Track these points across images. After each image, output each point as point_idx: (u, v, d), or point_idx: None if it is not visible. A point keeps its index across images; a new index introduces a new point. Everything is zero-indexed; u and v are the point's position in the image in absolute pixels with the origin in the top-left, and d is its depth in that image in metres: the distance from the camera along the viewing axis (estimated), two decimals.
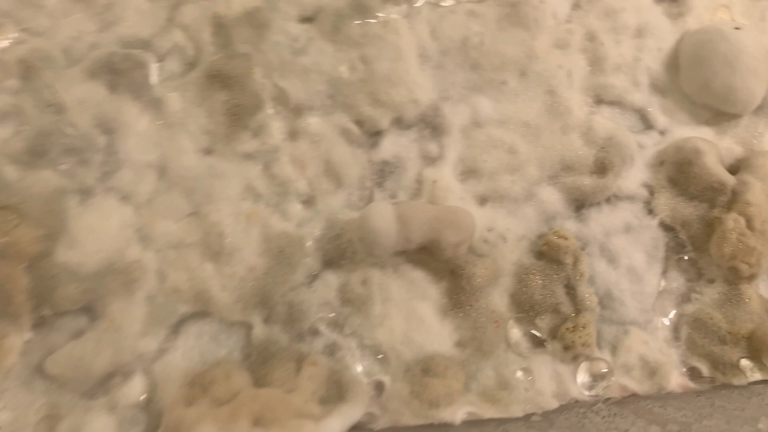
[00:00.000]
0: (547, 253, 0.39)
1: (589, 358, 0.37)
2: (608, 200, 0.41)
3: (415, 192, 0.40)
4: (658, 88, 0.45)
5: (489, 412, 0.36)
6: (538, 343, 0.38)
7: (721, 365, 0.38)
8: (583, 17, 0.46)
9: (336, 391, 0.35)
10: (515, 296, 0.38)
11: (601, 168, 0.41)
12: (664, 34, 0.46)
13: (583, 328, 0.37)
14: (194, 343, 0.36)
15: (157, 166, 0.39)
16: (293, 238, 0.38)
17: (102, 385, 0.35)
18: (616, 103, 0.44)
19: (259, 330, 0.37)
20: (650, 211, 0.41)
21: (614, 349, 0.38)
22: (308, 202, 0.40)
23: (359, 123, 0.41)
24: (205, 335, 0.37)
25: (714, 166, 0.41)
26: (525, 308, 0.38)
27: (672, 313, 0.39)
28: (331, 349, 0.37)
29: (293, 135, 0.41)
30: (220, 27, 0.43)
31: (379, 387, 0.36)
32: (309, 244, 0.38)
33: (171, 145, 0.40)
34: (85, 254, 0.37)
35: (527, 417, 0.36)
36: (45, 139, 0.39)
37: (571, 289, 0.38)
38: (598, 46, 0.45)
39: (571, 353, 0.37)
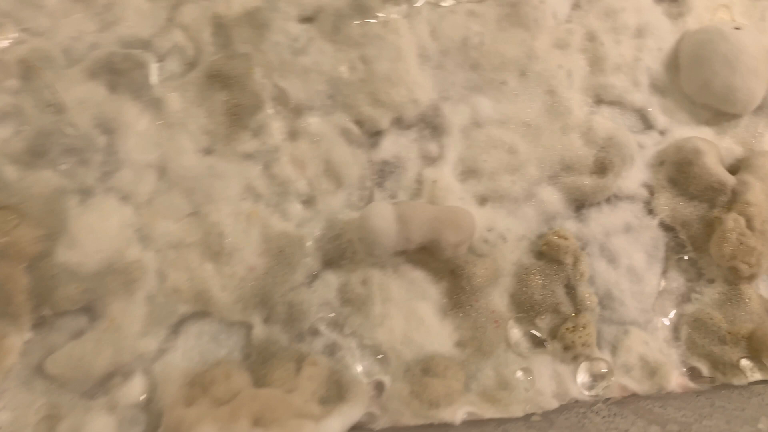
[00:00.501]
0: (547, 253, 0.39)
1: (589, 358, 0.37)
2: (608, 200, 0.41)
3: (415, 192, 0.40)
4: (658, 88, 0.45)
5: (489, 412, 0.36)
6: (538, 343, 0.38)
7: (721, 365, 0.38)
8: (583, 17, 0.46)
9: (336, 391, 0.35)
10: (515, 296, 0.38)
11: (601, 168, 0.41)
12: (664, 34, 0.46)
13: (583, 328, 0.37)
14: (194, 343, 0.36)
15: (157, 166, 0.39)
16: (293, 238, 0.38)
17: (102, 385, 0.35)
18: (616, 103, 0.44)
19: (259, 330, 0.37)
20: (650, 211, 0.41)
21: (614, 349, 0.38)
22: (308, 202, 0.40)
23: (359, 123, 0.41)
24: (205, 335, 0.37)
25: (714, 166, 0.41)
26: (525, 308, 0.38)
27: (672, 313, 0.39)
28: (331, 349, 0.37)
29: (293, 135, 0.41)
30: (220, 27, 0.43)
31: (379, 387, 0.36)
32: (309, 244, 0.38)
33: (171, 145, 0.40)
34: (85, 254, 0.37)
35: (527, 417, 0.36)
36: (45, 139, 0.39)
37: (571, 289, 0.38)
38: (598, 46, 0.45)
39: (571, 353, 0.37)
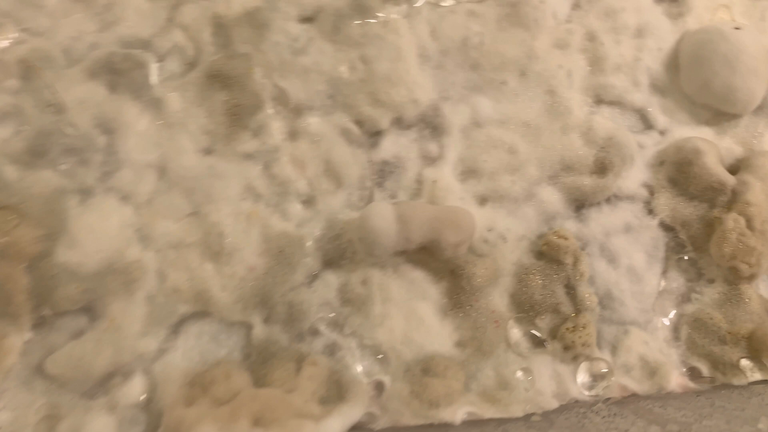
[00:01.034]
0: (547, 253, 0.39)
1: (589, 358, 0.37)
2: (608, 200, 0.41)
3: (415, 192, 0.40)
4: (658, 88, 0.45)
5: (489, 412, 0.36)
6: (538, 343, 0.38)
7: (721, 365, 0.38)
8: (583, 17, 0.46)
9: (336, 391, 0.35)
10: (515, 296, 0.38)
11: (601, 168, 0.41)
12: (664, 34, 0.46)
13: (583, 328, 0.37)
14: (194, 343, 0.36)
15: (157, 166, 0.39)
16: (293, 238, 0.38)
17: (102, 385, 0.35)
18: (616, 103, 0.44)
19: (259, 330, 0.37)
20: (650, 211, 0.41)
21: (614, 349, 0.38)
22: (308, 202, 0.40)
23: (359, 123, 0.41)
24: (205, 335, 0.37)
25: (714, 166, 0.41)
26: (525, 308, 0.38)
27: (672, 313, 0.39)
28: (331, 349, 0.37)
29: (293, 135, 0.41)
30: (220, 27, 0.43)
31: (379, 387, 0.36)
32: (309, 244, 0.38)
33: (171, 145, 0.40)
34: (85, 254, 0.37)
35: (527, 417, 0.36)
36: (45, 139, 0.39)
37: (571, 289, 0.38)
38: (598, 46, 0.45)
39: (571, 353, 0.37)
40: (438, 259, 0.38)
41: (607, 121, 0.43)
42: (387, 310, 0.37)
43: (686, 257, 0.41)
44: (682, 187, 0.41)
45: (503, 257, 0.39)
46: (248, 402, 0.33)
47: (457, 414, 0.35)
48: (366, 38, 0.43)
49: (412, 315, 0.37)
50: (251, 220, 0.39)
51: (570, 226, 0.40)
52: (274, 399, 0.33)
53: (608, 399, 0.37)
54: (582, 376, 0.37)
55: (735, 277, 0.39)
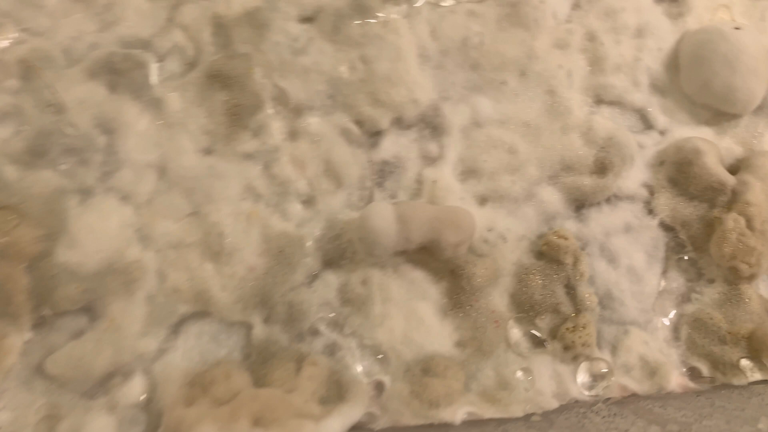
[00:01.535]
0: (547, 253, 0.39)
1: (589, 358, 0.37)
2: (608, 200, 0.41)
3: (415, 192, 0.40)
4: (658, 88, 0.45)
5: (489, 412, 0.36)
6: (538, 343, 0.38)
7: (721, 365, 0.38)
8: (583, 17, 0.46)
9: (336, 391, 0.35)
10: (515, 296, 0.38)
11: (601, 168, 0.41)
12: (664, 34, 0.46)
13: (583, 328, 0.37)
14: (194, 343, 0.36)
15: (157, 166, 0.39)
16: (293, 238, 0.38)
17: (102, 385, 0.35)
18: (616, 103, 0.44)
19: (259, 330, 0.37)
20: (650, 211, 0.41)
21: (614, 349, 0.38)
22: (308, 202, 0.40)
23: (359, 123, 0.41)
24: (205, 335, 0.37)
25: (714, 166, 0.41)
26: (525, 308, 0.38)
27: (672, 313, 0.39)
28: (331, 349, 0.37)
29: (293, 135, 0.41)
30: (220, 27, 0.43)
31: (379, 387, 0.36)
32: (309, 244, 0.38)
33: (171, 145, 0.40)
34: (85, 254, 0.37)
35: (527, 417, 0.36)
36: (45, 139, 0.39)
37: (571, 289, 0.38)
38: (598, 46, 0.45)
39: (571, 353, 0.37)
40: (438, 259, 0.38)
41: (607, 121, 0.43)
42: (387, 310, 0.37)
43: (686, 257, 0.41)
44: (682, 187, 0.41)
45: (503, 257, 0.39)
46: (248, 402, 0.33)
47: (457, 414, 0.35)
48: (366, 38, 0.43)
49: (412, 315, 0.37)
50: (251, 220, 0.39)
51: (570, 226, 0.40)
52: (274, 399, 0.33)
53: (608, 399, 0.37)
54: (582, 376, 0.37)
55: (735, 277, 0.39)
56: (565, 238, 0.39)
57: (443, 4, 0.45)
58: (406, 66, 0.42)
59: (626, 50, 0.45)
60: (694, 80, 0.43)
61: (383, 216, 0.36)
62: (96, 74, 0.41)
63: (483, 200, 0.40)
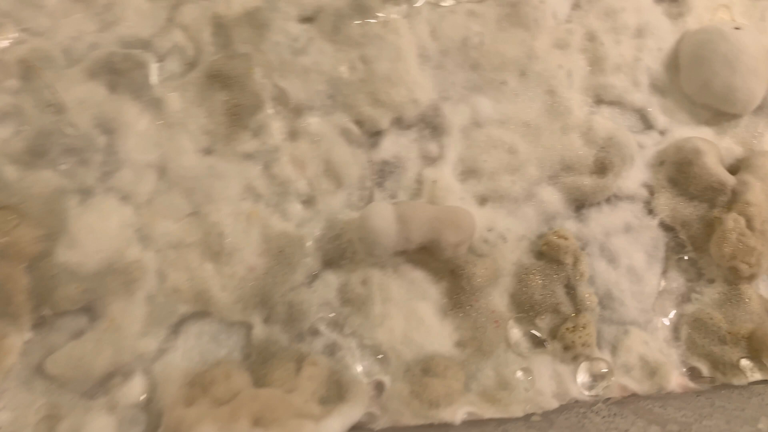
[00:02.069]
0: (547, 253, 0.39)
1: (589, 358, 0.37)
2: (608, 200, 0.41)
3: (415, 192, 0.40)
4: (658, 88, 0.45)
5: (489, 412, 0.36)
6: (538, 343, 0.38)
7: (721, 365, 0.38)
8: (583, 17, 0.46)
9: (336, 391, 0.35)
10: (515, 296, 0.38)
11: (601, 168, 0.41)
12: (664, 34, 0.46)
13: (583, 328, 0.37)
14: (194, 343, 0.36)
15: (157, 166, 0.39)
16: (293, 238, 0.38)
17: (102, 385, 0.35)
18: (616, 103, 0.44)
19: (259, 330, 0.37)
20: (650, 211, 0.41)
21: (614, 349, 0.38)
22: (308, 202, 0.40)
23: (359, 123, 0.41)
24: (205, 335, 0.37)
25: (714, 166, 0.41)
26: (525, 308, 0.38)
27: (672, 313, 0.39)
28: (331, 349, 0.37)
29: (293, 135, 0.41)
30: (220, 27, 0.43)
31: (379, 387, 0.36)
32: (309, 244, 0.38)
33: (171, 145, 0.40)
34: (85, 254, 0.37)
35: (527, 417, 0.36)
36: (45, 139, 0.39)
37: (571, 289, 0.38)
38: (598, 46, 0.45)
39: (571, 353, 0.37)
40: (438, 259, 0.38)
41: (607, 121, 0.43)
42: (387, 310, 0.37)
43: (686, 257, 0.41)
44: (682, 187, 0.41)
45: (503, 257, 0.39)
46: (248, 402, 0.33)
47: (457, 414, 0.35)
48: (366, 38, 0.43)
49: (412, 315, 0.37)
50: (251, 220, 0.39)
51: (570, 226, 0.40)
52: (274, 399, 0.33)
53: (608, 399, 0.37)
54: (582, 376, 0.37)
55: (735, 277, 0.39)
56: (565, 238, 0.39)
57: (443, 4, 0.45)
58: (406, 66, 0.42)
59: (626, 50, 0.45)
60: (694, 80, 0.43)
61: (383, 216, 0.36)
62: (96, 74, 0.41)
63: (483, 200, 0.40)
